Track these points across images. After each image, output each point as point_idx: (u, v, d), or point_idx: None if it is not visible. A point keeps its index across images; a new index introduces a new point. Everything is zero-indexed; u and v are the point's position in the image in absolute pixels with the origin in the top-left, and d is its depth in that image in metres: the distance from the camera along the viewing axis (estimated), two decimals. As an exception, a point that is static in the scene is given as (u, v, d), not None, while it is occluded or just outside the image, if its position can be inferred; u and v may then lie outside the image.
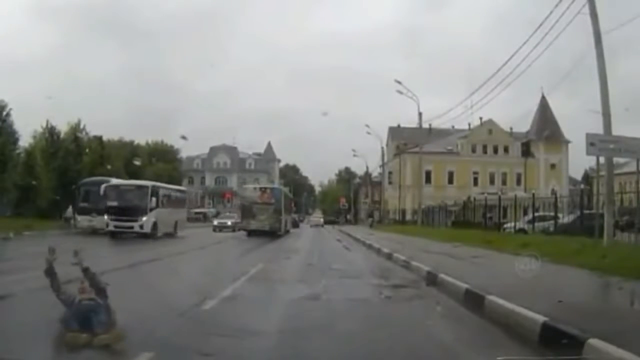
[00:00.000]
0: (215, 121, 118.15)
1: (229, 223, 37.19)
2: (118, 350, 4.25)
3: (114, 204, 24.21)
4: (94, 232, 25.51)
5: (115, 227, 23.96)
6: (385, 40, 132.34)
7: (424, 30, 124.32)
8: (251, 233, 28.33)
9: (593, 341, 3.99)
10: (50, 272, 4.49)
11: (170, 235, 26.35)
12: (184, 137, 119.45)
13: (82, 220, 26.83)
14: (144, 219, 24.02)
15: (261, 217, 28.74)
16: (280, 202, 30.22)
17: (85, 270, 4.53)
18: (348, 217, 77.18)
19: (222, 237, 28.85)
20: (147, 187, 25.31)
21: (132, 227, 23.82)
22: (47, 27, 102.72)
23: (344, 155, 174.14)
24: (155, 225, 24.56)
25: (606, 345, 3.86)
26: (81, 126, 43.25)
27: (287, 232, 32.58)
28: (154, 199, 24.75)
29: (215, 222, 39.21)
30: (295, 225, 44.48)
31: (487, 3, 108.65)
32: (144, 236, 23.43)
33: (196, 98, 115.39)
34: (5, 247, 17.44)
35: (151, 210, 24.40)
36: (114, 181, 27.07)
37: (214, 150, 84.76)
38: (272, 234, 28.11)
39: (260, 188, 32.11)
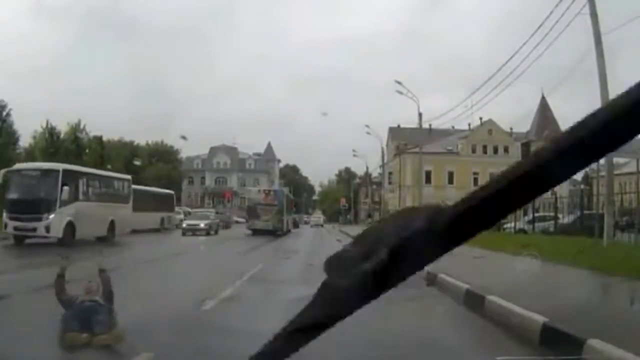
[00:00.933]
0: (215, 121, 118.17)
1: (202, 225, 28.83)
2: (118, 350, 4.26)
3: (14, 196, 17.70)
4: None
5: (15, 228, 17.21)
6: (385, 40, 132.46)
7: (424, 30, 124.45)
8: (255, 232, 29.81)
9: (593, 341, 3.99)
10: (61, 277, 4.58)
11: (102, 240, 19.45)
12: (184, 137, 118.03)
13: None
14: (51, 217, 17.10)
15: (265, 217, 30.39)
16: (283, 203, 31.92)
17: (102, 272, 4.62)
18: (348, 217, 77.18)
19: (180, 247, 20.32)
20: (56, 171, 18.10)
21: (35, 229, 17.04)
22: (47, 28, 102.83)
23: (344, 155, 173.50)
24: (70, 225, 17.58)
25: (606, 345, 3.86)
26: (81, 126, 43.43)
27: (288, 231, 33.76)
28: (67, 188, 17.75)
29: (184, 225, 29.14)
30: (296, 225, 45.09)
31: (487, 3, 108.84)
32: (58, 242, 16.79)
33: (196, 98, 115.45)
34: (5, 247, 17.52)
35: (63, 204, 17.47)
36: (17, 165, 19.90)
37: (214, 150, 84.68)
38: (274, 233, 29.41)
39: (264, 190, 35.42)
